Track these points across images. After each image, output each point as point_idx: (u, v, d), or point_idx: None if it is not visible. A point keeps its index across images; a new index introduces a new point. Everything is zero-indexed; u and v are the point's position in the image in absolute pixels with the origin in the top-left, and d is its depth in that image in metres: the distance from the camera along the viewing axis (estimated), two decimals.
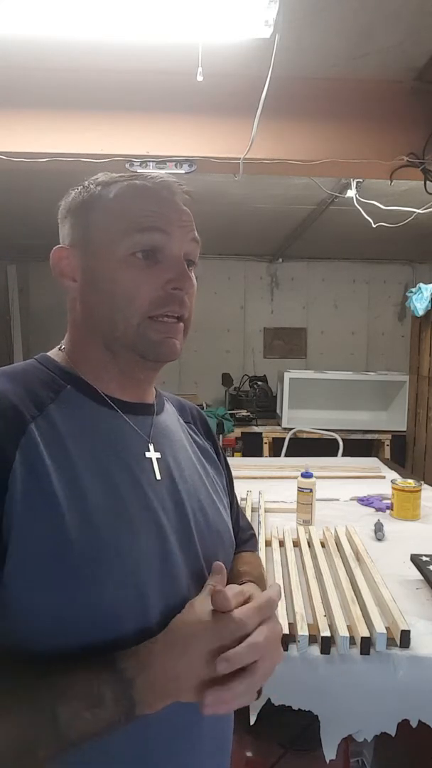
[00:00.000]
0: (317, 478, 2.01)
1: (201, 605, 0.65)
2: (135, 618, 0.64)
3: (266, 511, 2.08)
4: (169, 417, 0.83)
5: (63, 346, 0.77)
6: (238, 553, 0.90)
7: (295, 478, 2.04)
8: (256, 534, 1.76)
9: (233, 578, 0.82)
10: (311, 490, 1.95)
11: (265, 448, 4.44)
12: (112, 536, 0.64)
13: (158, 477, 0.73)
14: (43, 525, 0.60)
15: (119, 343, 0.71)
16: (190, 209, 0.75)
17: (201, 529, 0.75)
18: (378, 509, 2.17)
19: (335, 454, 3.79)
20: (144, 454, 0.73)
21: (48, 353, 0.77)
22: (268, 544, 1.71)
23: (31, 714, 0.55)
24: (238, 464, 3.03)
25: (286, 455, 4.05)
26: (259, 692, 0.68)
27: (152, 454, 0.74)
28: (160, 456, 0.75)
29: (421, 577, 1.49)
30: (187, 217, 0.73)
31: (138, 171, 0.75)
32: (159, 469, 0.74)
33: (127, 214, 0.70)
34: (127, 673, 0.58)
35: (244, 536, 0.97)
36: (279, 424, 4.56)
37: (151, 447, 0.74)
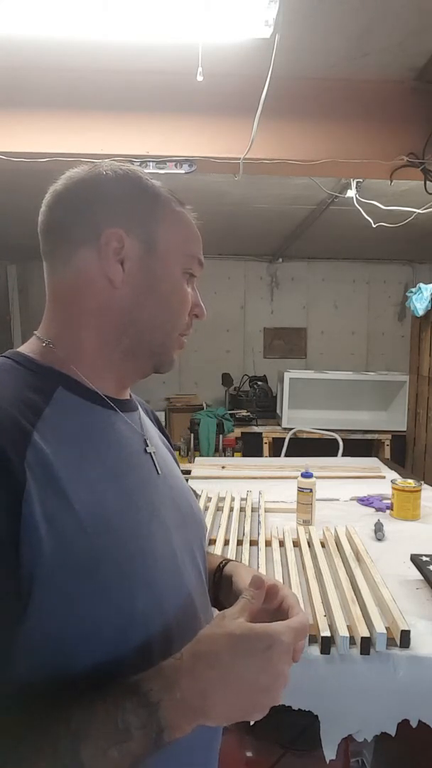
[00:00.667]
0: (317, 478, 2.00)
1: (232, 618, 0.60)
2: (159, 620, 0.64)
3: (266, 511, 2.08)
4: (143, 412, 0.83)
5: (49, 341, 0.69)
6: None
7: (295, 478, 2.04)
8: (256, 534, 1.77)
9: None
10: (311, 490, 1.95)
11: (265, 448, 4.44)
12: (133, 542, 0.63)
13: (159, 472, 0.74)
14: (65, 535, 0.57)
15: (144, 347, 0.72)
16: None
17: (191, 522, 0.77)
18: (378, 509, 2.17)
19: (335, 454, 3.79)
20: (144, 451, 0.73)
21: (20, 350, 0.70)
22: (268, 544, 1.71)
23: (53, 763, 0.50)
24: (238, 464, 3.03)
25: (286, 455, 4.05)
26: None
27: (151, 449, 0.74)
28: (155, 451, 0.75)
29: (421, 577, 1.49)
30: None
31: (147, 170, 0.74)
32: (157, 464, 0.74)
33: (189, 238, 0.74)
34: (152, 696, 0.54)
35: None
36: (279, 424, 4.56)
37: (148, 442, 0.75)
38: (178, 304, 0.73)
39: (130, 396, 0.80)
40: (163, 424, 0.97)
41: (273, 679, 0.59)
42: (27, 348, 0.70)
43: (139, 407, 0.82)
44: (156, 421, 0.90)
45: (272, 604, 0.70)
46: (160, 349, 0.73)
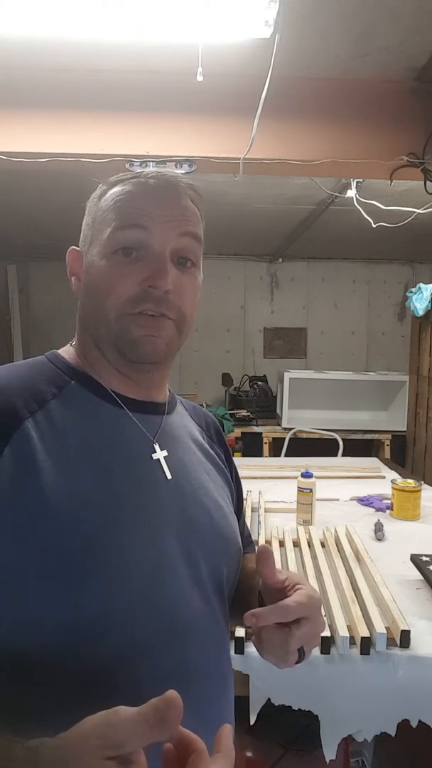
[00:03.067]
0: (317, 478, 2.01)
1: (93, 718, 0.47)
2: (124, 623, 0.62)
3: (266, 511, 2.08)
4: (180, 418, 0.82)
5: (73, 343, 0.77)
6: (243, 556, 0.90)
7: (295, 478, 2.04)
8: (256, 534, 1.77)
9: (248, 578, 0.82)
10: (311, 490, 1.95)
11: (265, 448, 4.44)
12: (99, 538, 0.62)
13: (169, 476, 0.72)
14: (30, 521, 0.59)
15: (104, 341, 0.72)
16: (198, 205, 0.74)
17: (205, 533, 0.73)
18: (378, 509, 2.17)
19: (335, 454, 3.80)
20: (150, 453, 0.72)
21: (59, 350, 0.77)
22: (268, 544, 1.71)
23: None
24: (238, 464, 3.02)
25: (286, 455, 4.05)
26: (301, 654, 0.65)
27: (159, 454, 0.73)
28: (167, 455, 0.73)
29: (421, 577, 1.49)
30: (182, 212, 0.71)
31: (148, 169, 0.74)
32: (168, 469, 0.73)
33: (116, 212, 0.70)
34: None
35: (246, 542, 0.96)
36: (279, 424, 4.56)
37: (157, 447, 0.73)
38: (105, 291, 0.70)
39: (168, 400, 0.80)
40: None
41: None
42: (64, 348, 0.77)
43: (182, 414, 0.83)
44: (212, 434, 0.89)
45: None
46: (112, 336, 0.70)
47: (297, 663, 0.65)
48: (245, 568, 0.85)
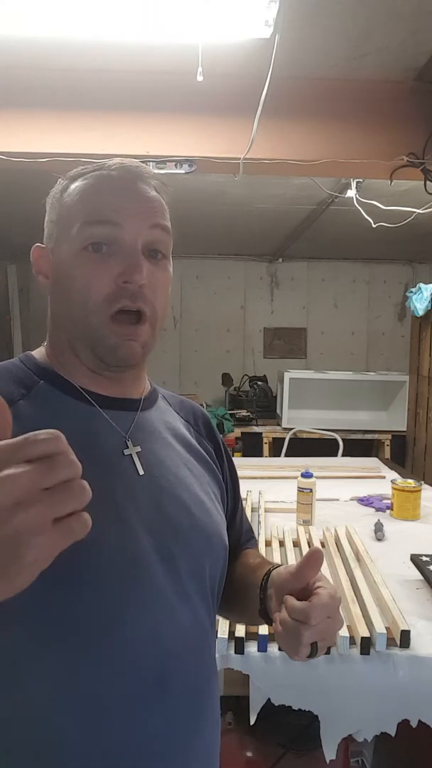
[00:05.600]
0: (317, 478, 2.01)
1: None
2: (92, 618, 0.62)
3: (266, 511, 2.08)
4: (159, 414, 0.81)
5: (45, 343, 0.77)
6: (243, 552, 0.90)
7: (295, 478, 2.04)
8: (256, 534, 1.77)
9: (249, 572, 0.81)
10: (311, 490, 1.95)
11: (265, 448, 4.44)
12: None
13: (141, 472, 0.71)
14: None
15: (80, 341, 0.71)
16: (162, 195, 0.72)
17: (182, 529, 0.72)
18: (378, 509, 2.17)
19: (335, 454, 3.79)
20: (121, 449, 0.71)
21: (32, 352, 0.77)
22: (268, 544, 1.71)
23: None
24: (238, 464, 3.02)
25: (286, 455, 4.05)
26: (314, 649, 0.65)
27: (131, 450, 0.72)
28: (140, 450, 0.73)
29: (421, 577, 1.49)
30: (150, 204, 0.70)
31: (111, 161, 0.72)
32: (141, 464, 0.72)
33: (82, 208, 0.69)
34: None
35: (246, 538, 0.96)
36: (279, 424, 4.56)
37: (129, 442, 0.72)
38: (80, 290, 0.68)
39: (147, 395, 0.79)
40: None
41: None
42: (37, 350, 0.77)
43: (163, 410, 0.81)
44: (200, 428, 0.87)
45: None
46: (90, 340, 0.69)
47: (309, 657, 0.66)
48: (246, 563, 0.85)
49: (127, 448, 0.72)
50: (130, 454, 0.72)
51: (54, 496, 0.41)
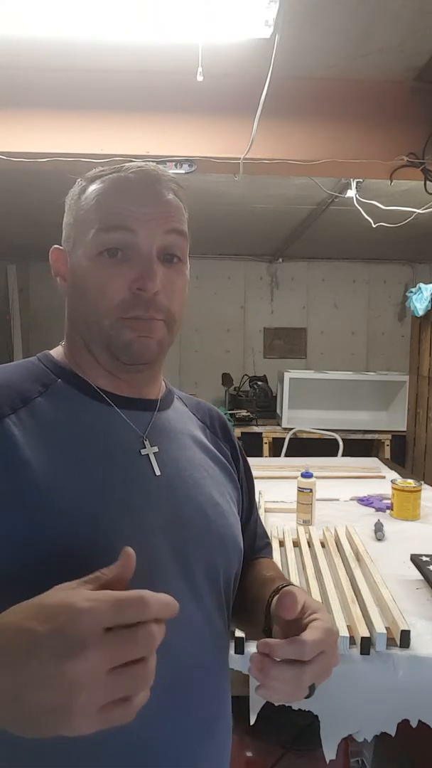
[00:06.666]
0: (317, 478, 2.01)
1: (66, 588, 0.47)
2: None
3: (266, 511, 2.08)
4: (176, 414, 0.80)
5: (63, 342, 0.77)
6: (255, 559, 0.88)
7: (295, 478, 2.04)
8: None
9: (259, 585, 0.79)
10: (311, 490, 1.95)
11: (265, 448, 4.44)
12: (87, 531, 0.62)
13: (157, 472, 0.71)
14: (12, 516, 0.59)
15: (95, 344, 0.71)
16: (179, 197, 0.72)
17: (197, 530, 0.72)
18: (378, 509, 2.17)
19: (335, 454, 3.79)
20: (138, 450, 0.71)
21: (51, 351, 0.77)
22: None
23: None
24: None
25: (286, 455, 4.05)
26: (311, 689, 0.62)
27: (148, 450, 0.72)
28: (157, 451, 0.73)
29: (421, 577, 1.49)
30: (166, 209, 0.70)
31: (128, 162, 0.72)
32: (158, 465, 0.71)
33: (99, 212, 0.69)
34: None
35: (261, 543, 0.94)
36: (279, 424, 4.56)
37: (147, 443, 0.72)
38: (94, 295, 0.69)
39: (163, 396, 0.79)
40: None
41: (53, 687, 0.41)
42: (55, 349, 0.78)
43: (180, 411, 0.81)
44: (216, 430, 0.87)
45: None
46: (105, 340, 0.70)
47: (306, 698, 0.63)
48: (258, 575, 0.82)
49: (144, 448, 0.72)
50: (147, 455, 0.71)
51: (119, 679, 0.42)
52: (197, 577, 0.70)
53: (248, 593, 0.81)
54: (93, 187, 0.71)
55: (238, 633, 1.20)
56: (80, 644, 0.41)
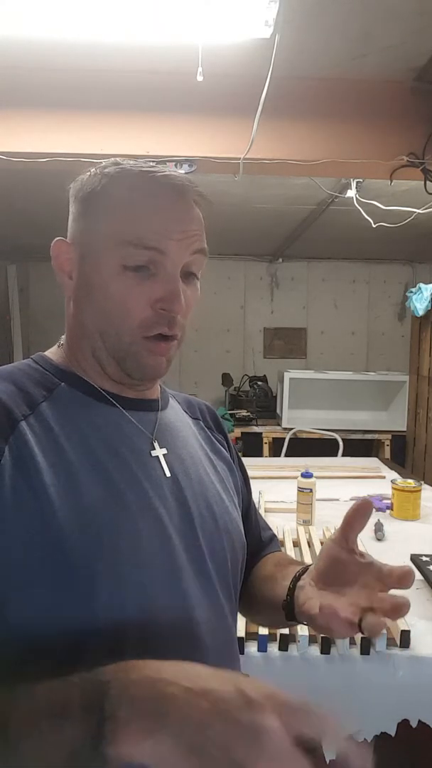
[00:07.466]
0: (317, 478, 2.01)
1: (214, 673, 0.49)
2: (137, 619, 0.62)
3: (266, 511, 2.08)
4: (174, 413, 0.81)
5: (61, 343, 0.75)
6: (269, 554, 0.89)
7: (295, 478, 2.04)
8: None
9: (270, 581, 0.79)
10: (311, 490, 1.95)
11: (265, 448, 4.44)
12: (110, 534, 0.62)
13: (167, 474, 0.71)
14: (34, 522, 0.59)
15: (106, 353, 0.70)
16: (201, 208, 0.71)
17: (207, 529, 0.73)
18: (378, 509, 2.17)
19: (335, 454, 3.79)
20: (148, 451, 0.71)
21: (45, 352, 0.75)
22: None
23: None
24: None
25: (286, 455, 4.05)
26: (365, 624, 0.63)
27: (158, 451, 0.72)
28: (166, 452, 0.73)
29: (421, 577, 1.49)
30: (192, 227, 0.68)
31: (151, 160, 0.70)
32: (167, 465, 0.72)
33: (125, 222, 0.66)
34: (102, 675, 0.48)
35: (266, 535, 0.94)
36: (279, 424, 4.56)
37: (156, 444, 0.73)
38: (116, 310, 0.67)
39: (160, 395, 0.79)
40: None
41: None
42: (51, 349, 0.76)
43: (176, 409, 0.82)
44: (209, 423, 0.88)
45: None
46: (120, 355, 0.69)
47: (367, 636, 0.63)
48: (270, 574, 0.82)
49: (154, 449, 0.72)
50: (157, 456, 0.72)
51: None
52: (211, 574, 0.71)
53: (261, 590, 0.81)
54: (114, 187, 0.68)
55: (239, 633, 1.20)
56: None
